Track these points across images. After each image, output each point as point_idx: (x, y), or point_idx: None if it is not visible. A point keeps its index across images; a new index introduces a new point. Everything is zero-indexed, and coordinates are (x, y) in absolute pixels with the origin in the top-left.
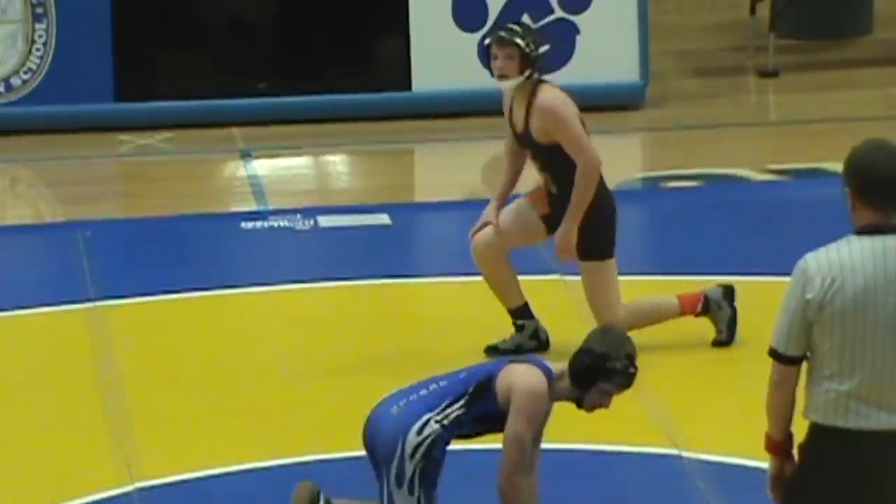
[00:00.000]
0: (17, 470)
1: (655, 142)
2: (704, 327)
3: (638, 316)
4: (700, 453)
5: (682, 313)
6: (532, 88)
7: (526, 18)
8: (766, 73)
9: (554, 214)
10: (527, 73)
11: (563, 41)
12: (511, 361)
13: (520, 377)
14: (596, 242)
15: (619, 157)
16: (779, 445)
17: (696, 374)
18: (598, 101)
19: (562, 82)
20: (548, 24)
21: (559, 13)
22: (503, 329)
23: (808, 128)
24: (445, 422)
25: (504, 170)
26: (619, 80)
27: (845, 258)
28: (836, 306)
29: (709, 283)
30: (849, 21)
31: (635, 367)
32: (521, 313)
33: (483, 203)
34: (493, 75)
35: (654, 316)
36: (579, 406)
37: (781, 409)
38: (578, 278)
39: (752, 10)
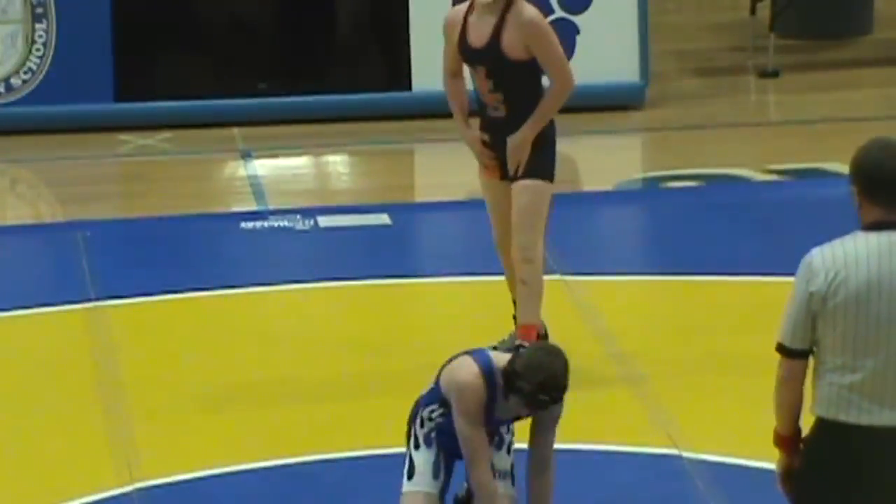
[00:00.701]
0: (17, 470)
1: (655, 142)
2: (704, 327)
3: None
4: (700, 453)
5: None
6: (506, 3)
7: None
8: (766, 73)
9: (497, 140)
10: None
11: (563, 41)
12: (454, 357)
13: (449, 374)
14: (543, 163)
15: (619, 157)
16: (787, 441)
17: (696, 374)
18: (598, 101)
19: None
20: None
21: (559, 13)
22: (503, 329)
23: (808, 128)
24: (434, 418)
25: (452, 91)
26: (619, 80)
27: (850, 253)
28: (838, 299)
29: (709, 283)
30: (849, 21)
31: (548, 396)
32: None
33: (482, 203)
34: None
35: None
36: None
37: (789, 404)
38: (579, 278)
39: (753, 10)
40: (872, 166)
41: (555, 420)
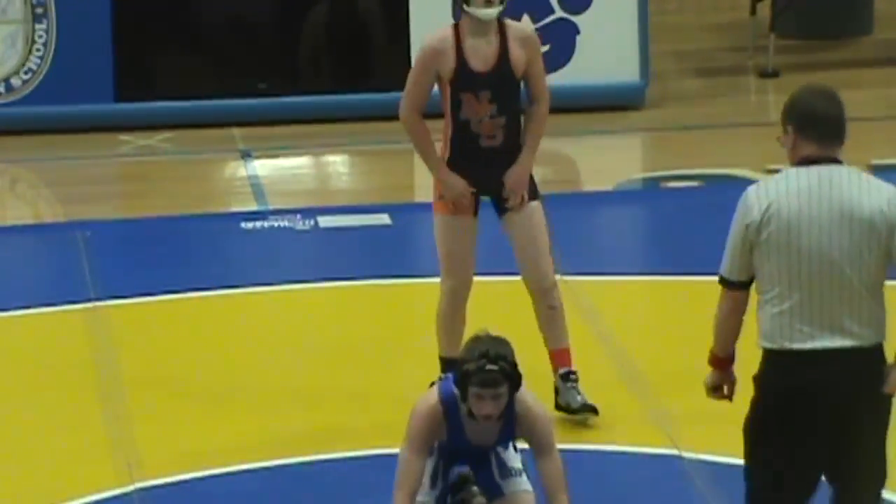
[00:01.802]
0: (17, 470)
1: (655, 142)
2: (705, 327)
3: None
4: (700, 453)
5: None
6: (497, 21)
7: (526, 18)
8: (766, 74)
9: (488, 171)
10: (506, 2)
11: (563, 41)
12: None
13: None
14: (533, 183)
15: (619, 157)
16: (722, 361)
17: (696, 374)
18: (598, 101)
19: (562, 82)
20: (548, 24)
21: (559, 13)
22: (503, 329)
23: None
24: None
25: (422, 129)
26: (619, 80)
27: (781, 186)
28: (771, 229)
29: (709, 283)
30: (849, 21)
31: (491, 362)
32: None
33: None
34: (465, 5)
35: None
36: (473, 417)
37: (729, 332)
38: (579, 278)
39: (753, 11)
40: (807, 107)
41: (548, 439)
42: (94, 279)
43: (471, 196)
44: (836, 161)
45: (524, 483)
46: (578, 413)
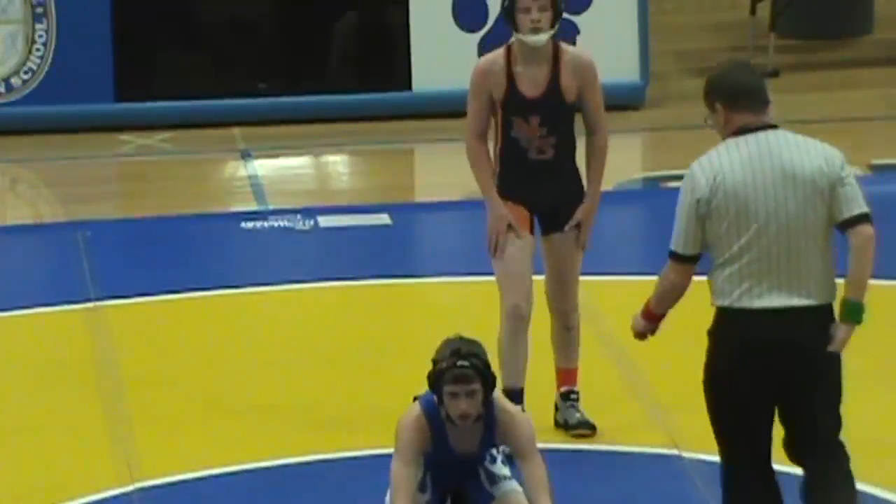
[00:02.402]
0: (17, 470)
1: (655, 142)
2: (704, 327)
3: None
4: (700, 453)
5: None
6: (553, 45)
7: None
8: (766, 74)
9: (538, 183)
10: (557, 25)
11: (563, 41)
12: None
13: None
14: None
15: (619, 157)
16: (656, 317)
17: (696, 374)
18: None
19: None
20: None
21: None
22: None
23: (808, 128)
24: None
25: (482, 159)
26: (619, 80)
27: (724, 158)
28: (720, 197)
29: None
30: (849, 21)
31: (462, 358)
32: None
33: (482, 203)
34: (515, 31)
35: None
36: (452, 421)
37: (671, 300)
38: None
39: (753, 10)
40: (733, 81)
41: (530, 442)
42: (93, 279)
43: (520, 218)
44: (772, 126)
45: (514, 483)
46: (575, 429)
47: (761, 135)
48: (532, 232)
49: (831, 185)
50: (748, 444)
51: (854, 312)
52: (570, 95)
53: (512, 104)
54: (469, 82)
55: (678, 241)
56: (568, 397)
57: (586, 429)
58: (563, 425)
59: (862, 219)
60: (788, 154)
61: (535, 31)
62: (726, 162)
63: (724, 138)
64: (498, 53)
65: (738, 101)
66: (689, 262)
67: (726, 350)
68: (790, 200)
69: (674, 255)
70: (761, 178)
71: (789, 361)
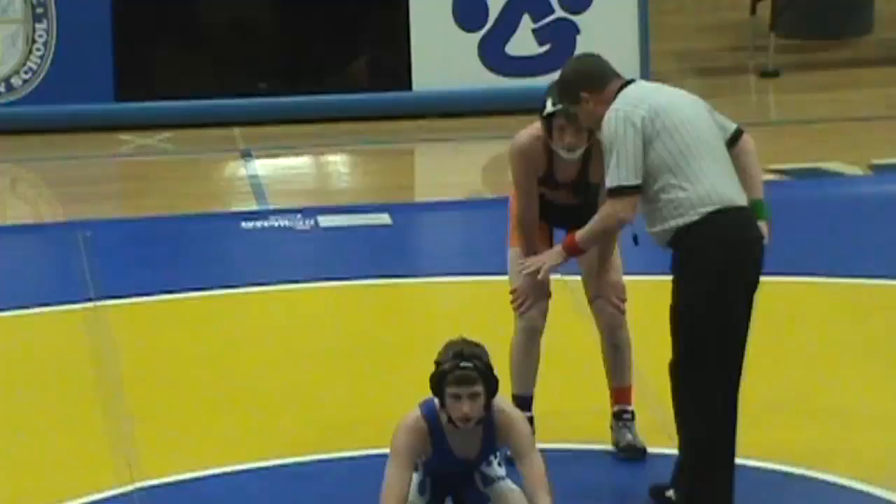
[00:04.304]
0: (17, 469)
1: None
2: None
3: None
4: None
5: None
6: (589, 133)
7: (526, 18)
8: (766, 73)
9: (560, 219)
10: (590, 140)
11: (563, 41)
12: None
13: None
14: None
15: None
16: (578, 252)
17: None
18: None
19: None
20: (548, 24)
21: (559, 13)
22: (503, 329)
23: (808, 128)
24: None
25: (523, 235)
26: None
27: (639, 92)
28: (658, 121)
29: None
30: (849, 21)
31: (465, 360)
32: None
33: (482, 203)
34: (551, 143)
35: None
36: (453, 423)
37: (610, 237)
38: (579, 278)
39: (753, 10)
40: (591, 67)
41: (528, 441)
42: (93, 279)
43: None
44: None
45: (508, 483)
46: (623, 452)
47: (639, 81)
48: (552, 244)
49: (707, 110)
50: (738, 357)
51: (770, 209)
52: (596, 177)
53: (544, 183)
54: (513, 165)
55: (629, 174)
56: (620, 417)
57: (634, 453)
58: (615, 446)
59: (742, 131)
60: (669, 87)
61: (571, 150)
62: (645, 93)
63: (608, 101)
64: (536, 139)
65: (605, 76)
66: (637, 191)
67: (721, 247)
68: (703, 119)
69: (622, 189)
70: (678, 101)
71: (762, 257)
